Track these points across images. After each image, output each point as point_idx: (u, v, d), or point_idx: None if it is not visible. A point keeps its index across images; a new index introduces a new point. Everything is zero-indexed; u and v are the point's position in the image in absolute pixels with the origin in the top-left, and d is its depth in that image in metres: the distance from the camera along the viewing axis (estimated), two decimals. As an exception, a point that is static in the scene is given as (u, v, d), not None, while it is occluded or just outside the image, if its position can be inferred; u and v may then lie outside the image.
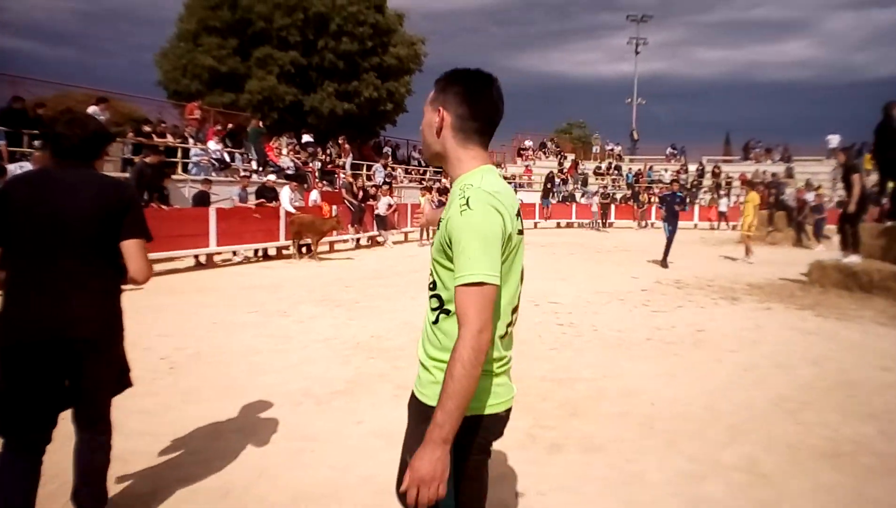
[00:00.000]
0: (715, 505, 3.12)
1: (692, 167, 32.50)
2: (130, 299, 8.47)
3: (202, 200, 12.47)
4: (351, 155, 22.50)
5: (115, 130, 15.56)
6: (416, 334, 6.38)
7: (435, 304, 1.72)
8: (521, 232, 1.69)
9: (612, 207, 28.02)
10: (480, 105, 1.69)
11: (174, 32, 26.59)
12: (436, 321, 1.70)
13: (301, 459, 3.55)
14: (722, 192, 29.07)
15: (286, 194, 13.95)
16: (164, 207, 11.47)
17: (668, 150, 35.44)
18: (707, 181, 30.95)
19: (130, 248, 2.51)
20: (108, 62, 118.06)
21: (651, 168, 32.70)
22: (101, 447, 2.66)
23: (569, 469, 3.47)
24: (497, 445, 3.66)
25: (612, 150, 36.44)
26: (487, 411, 1.70)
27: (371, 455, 3.60)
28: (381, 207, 17.17)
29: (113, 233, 2.48)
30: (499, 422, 1.76)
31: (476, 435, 1.70)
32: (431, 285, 1.75)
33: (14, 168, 9.27)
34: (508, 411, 1.79)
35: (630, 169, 32.99)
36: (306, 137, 21.67)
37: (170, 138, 16.18)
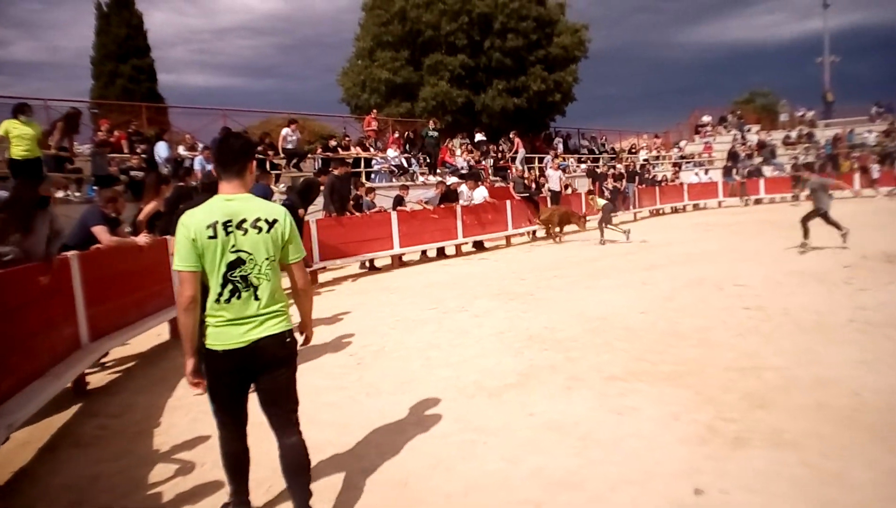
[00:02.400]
0: (938, 512, 2.70)
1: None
2: (325, 302, 9.19)
3: (399, 203, 13.26)
4: (523, 149, 22.52)
5: (306, 148, 17.13)
6: (590, 324, 6.34)
7: None
8: (213, 237, 2.57)
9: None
10: (214, 158, 2.87)
11: (352, 52, 28.54)
12: None
13: (474, 450, 3.64)
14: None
15: (465, 192, 14.49)
16: (357, 214, 12.33)
17: (874, 109, 30.79)
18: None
19: None
20: (302, 86, 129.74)
21: (852, 131, 28.79)
22: None
23: (755, 465, 3.19)
24: (673, 437, 3.51)
25: (802, 116, 32.59)
26: (208, 347, 2.67)
27: (542, 447, 3.60)
28: (553, 181, 16.96)
29: None
30: (217, 356, 2.66)
31: (204, 361, 2.71)
32: None
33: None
34: (228, 352, 2.64)
35: (825, 136, 29.26)
36: (479, 136, 22.10)
37: (353, 150, 17.39)
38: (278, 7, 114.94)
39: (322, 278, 11.19)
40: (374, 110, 21.13)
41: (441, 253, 14.08)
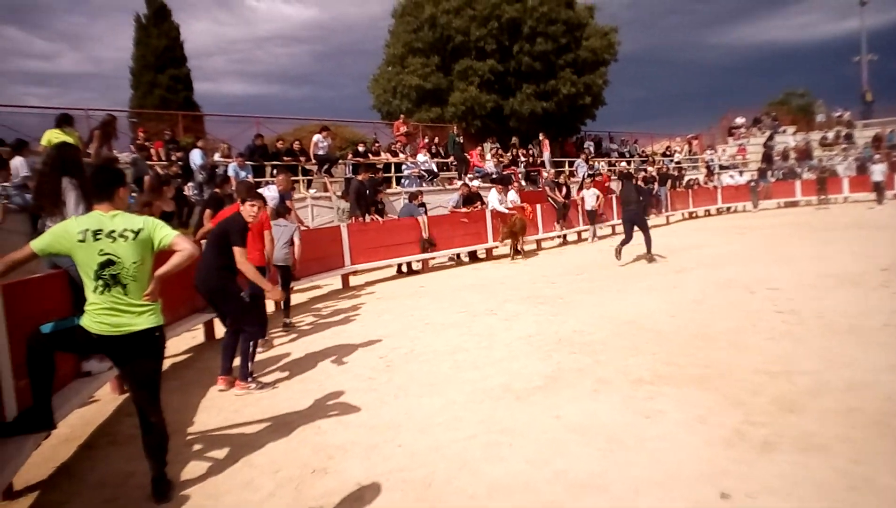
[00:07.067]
0: (972, 518, 2.65)
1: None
2: (356, 305, 9.27)
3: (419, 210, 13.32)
4: (549, 151, 22.44)
5: (337, 154, 17.33)
6: (619, 328, 6.32)
7: None
8: (82, 241, 3.15)
9: (846, 180, 24.64)
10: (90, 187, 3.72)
11: (383, 59, 28.76)
12: None
13: (499, 452, 3.67)
14: None
15: (494, 196, 14.39)
16: (379, 219, 12.44)
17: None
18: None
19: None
20: (336, 93, 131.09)
21: (893, 131, 27.97)
22: (241, 333, 5.32)
23: (783, 469, 3.16)
24: (700, 441, 3.49)
25: (840, 116, 31.75)
26: (82, 325, 3.23)
27: (566, 450, 3.61)
28: (588, 200, 16.80)
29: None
30: (89, 338, 3.23)
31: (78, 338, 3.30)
32: None
33: (264, 190, 10.47)
34: (102, 338, 3.23)
35: (864, 136, 28.51)
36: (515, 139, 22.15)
37: (383, 156, 17.54)
38: (314, 15, 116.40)
39: (353, 281, 11.31)
40: (403, 116, 21.25)
41: (473, 257, 14.14)
